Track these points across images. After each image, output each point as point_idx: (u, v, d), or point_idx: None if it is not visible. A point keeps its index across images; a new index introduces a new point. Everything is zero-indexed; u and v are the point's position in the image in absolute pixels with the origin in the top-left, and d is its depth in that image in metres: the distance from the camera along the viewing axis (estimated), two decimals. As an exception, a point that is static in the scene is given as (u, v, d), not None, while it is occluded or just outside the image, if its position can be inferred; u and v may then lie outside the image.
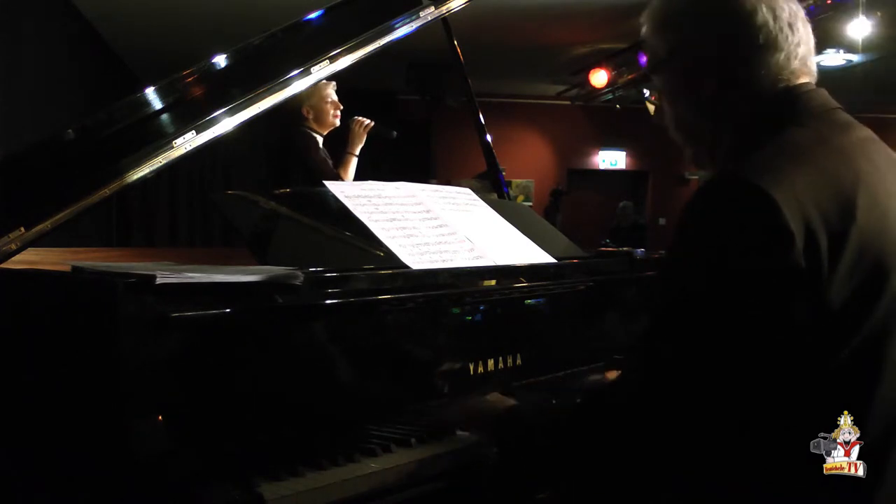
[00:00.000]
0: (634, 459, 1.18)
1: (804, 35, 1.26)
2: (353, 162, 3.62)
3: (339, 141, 3.73)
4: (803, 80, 1.26)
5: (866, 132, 1.24)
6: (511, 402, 1.47)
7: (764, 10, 1.22)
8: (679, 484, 1.20)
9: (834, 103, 1.26)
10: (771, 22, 1.22)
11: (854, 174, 1.13)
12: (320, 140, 3.73)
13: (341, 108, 3.71)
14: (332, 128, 3.71)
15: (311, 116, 3.66)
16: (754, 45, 1.22)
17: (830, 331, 1.07)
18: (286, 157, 3.86)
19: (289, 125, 3.68)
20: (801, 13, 1.27)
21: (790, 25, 1.23)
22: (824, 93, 1.26)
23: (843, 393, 1.08)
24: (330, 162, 3.64)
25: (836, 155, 1.16)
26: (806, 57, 1.26)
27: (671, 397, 1.11)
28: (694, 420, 1.12)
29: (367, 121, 3.66)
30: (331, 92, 3.67)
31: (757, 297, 1.05)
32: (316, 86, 3.56)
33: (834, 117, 1.24)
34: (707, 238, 1.10)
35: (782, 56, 1.23)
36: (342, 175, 3.55)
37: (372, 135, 3.66)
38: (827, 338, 1.07)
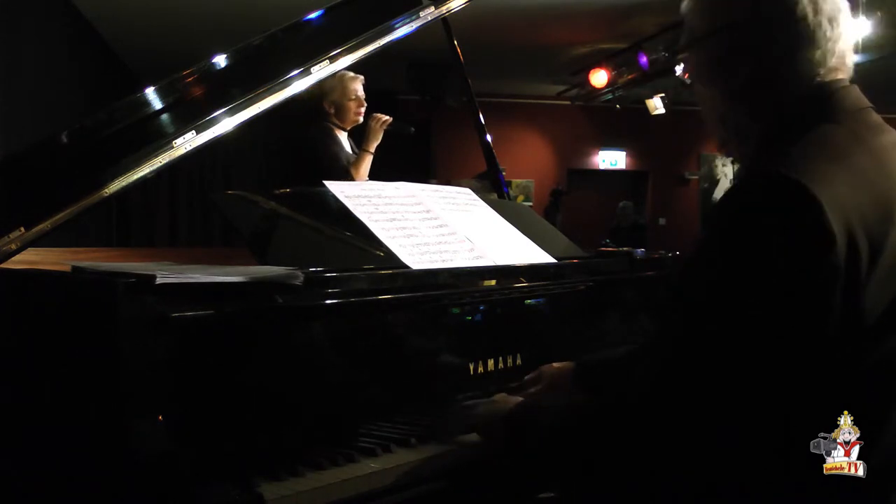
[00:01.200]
0: (653, 454, 1.16)
1: (846, 30, 1.22)
2: (368, 159, 3.56)
3: (358, 138, 3.71)
4: (838, 76, 1.22)
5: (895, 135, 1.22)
6: (518, 399, 1.46)
7: (805, 1, 1.19)
8: (682, 481, 1.19)
9: (866, 102, 1.23)
10: (811, 15, 1.18)
11: (891, 179, 1.12)
12: (342, 136, 3.70)
13: (365, 105, 3.67)
14: (354, 124, 3.68)
15: (332, 111, 3.64)
16: (791, 37, 1.19)
17: (862, 336, 1.05)
18: (300, 152, 3.85)
19: (309, 120, 3.67)
20: (846, 6, 1.23)
21: (831, 20, 1.19)
22: (857, 90, 1.23)
23: (861, 400, 1.07)
24: (352, 158, 3.60)
25: (872, 157, 1.14)
26: (844, 53, 1.22)
27: (699, 394, 1.09)
28: (714, 417, 1.10)
29: (386, 117, 3.61)
30: (356, 87, 3.64)
31: (794, 296, 1.03)
32: (341, 81, 3.56)
33: (866, 117, 1.21)
34: (745, 234, 1.07)
35: (819, 53, 1.20)
36: (354, 172, 3.50)
37: (389, 132, 3.61)
38: (857, 343, 1.05)
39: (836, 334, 1.04)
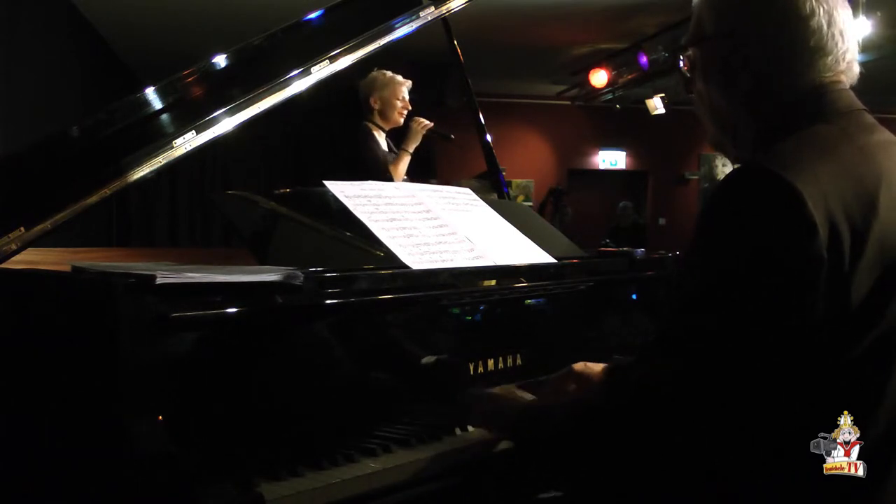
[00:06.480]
0: (648, 454, 1.16)
1: (852, 43, 1.24)
2: (407, 159, 3.70)
3: (396, 139, 3.83)
4: (839, 77, 1.24)
5: (889, 136, 1.24)
6: (529, 397, 1.47)
7: (820, 13, 1.20)
8: (680, 481, 1.19)
9: (860, 104, 1.24)
10: (825, 27, 1.20)
11: (876, 172, 1.13)
12: (381, 136, 3.79)
13: (409, 108, 3.79)
14: (395, 125, 3.80)
15: (377, 108, 3.74)
16: (805, 48, 1.21)
17: (847, 326, 1.06)
18: (345, 148, 3.98)
19: (349, 114, 3.78)
20: (851, 19, 1.25)
21: (842, 33, 1.22)
22: (851, 94, 1.26)
23: (851, 390, 1.08)
24: (390, 157, 3.70)
25: (859, 153, 1.16)
26: (852, 62, 1.25)
27: (690, 390, 1.10)
28: (704, 416, 1.11)
29: (427, 122, 3.73)
30: (404, 91, 3.76)
31: (779, 287, 1.05)
32: (392, 80, 3.70)
33: (859, 118, 1.23)
34: (731, 228, 1.09)
35: (830, 59, 1.22)
36: (393, 171, 3.61)
37: (429, 136, 3.75)
38: (843, 333, 1.06)
39: (823, 322, 1.05)
